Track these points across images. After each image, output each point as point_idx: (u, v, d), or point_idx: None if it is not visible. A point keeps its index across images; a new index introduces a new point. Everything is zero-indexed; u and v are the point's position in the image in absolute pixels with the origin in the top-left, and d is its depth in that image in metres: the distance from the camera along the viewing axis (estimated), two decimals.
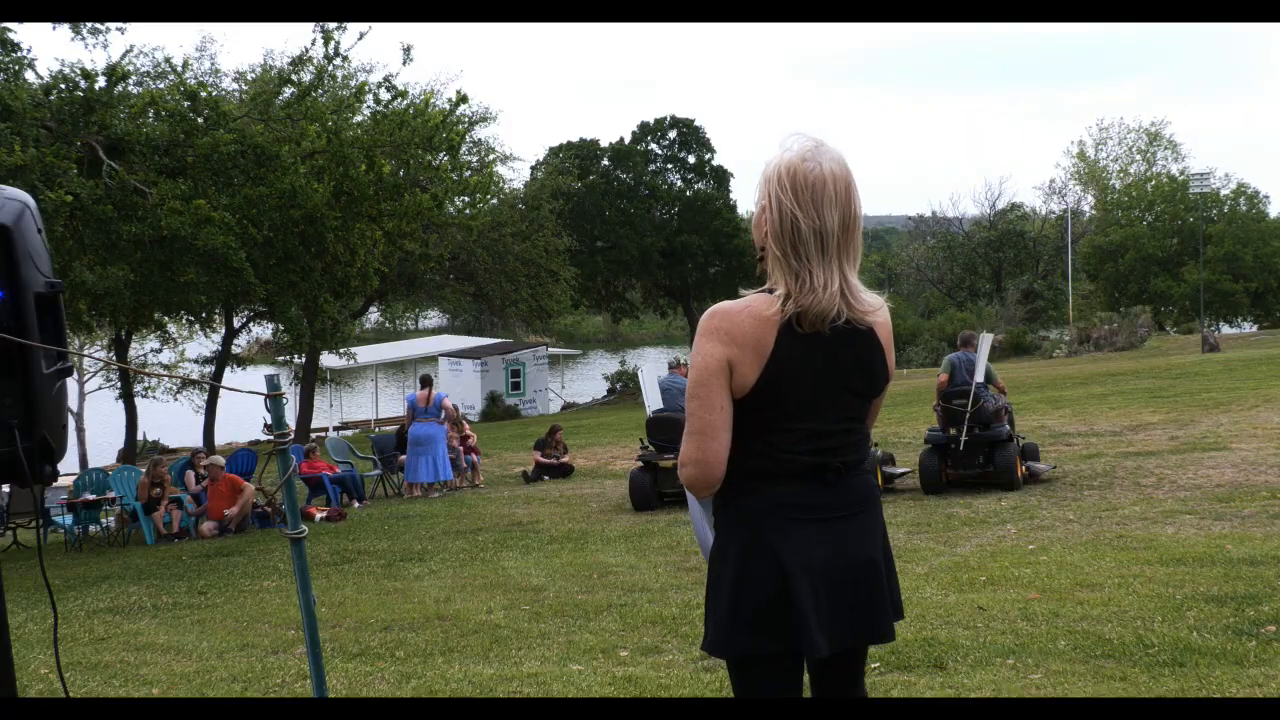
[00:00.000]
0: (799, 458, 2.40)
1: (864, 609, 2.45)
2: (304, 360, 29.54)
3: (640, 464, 12.60)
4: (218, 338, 31.83)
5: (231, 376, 31.50)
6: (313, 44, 16.73)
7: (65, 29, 15.17)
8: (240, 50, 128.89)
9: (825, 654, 2.39)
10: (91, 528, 14.12)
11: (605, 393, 44.74)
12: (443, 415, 15.40)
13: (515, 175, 39.91)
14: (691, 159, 45.34)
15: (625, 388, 41.69)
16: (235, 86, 27.22)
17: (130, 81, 16.12)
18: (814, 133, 2.43)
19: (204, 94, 15.47)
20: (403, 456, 16.06)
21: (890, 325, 2.52)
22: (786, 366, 2.36)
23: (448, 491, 15.79)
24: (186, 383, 35.50)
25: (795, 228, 2.34)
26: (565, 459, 17.28)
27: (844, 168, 2.40)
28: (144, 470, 14.30)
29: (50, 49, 39.41)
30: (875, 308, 2.44)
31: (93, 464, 28.26)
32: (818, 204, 2.35)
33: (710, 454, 2.37)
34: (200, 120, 14.69)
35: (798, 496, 2.41)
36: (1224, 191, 60.99)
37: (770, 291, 2.41)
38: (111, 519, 14.14)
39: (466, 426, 17.89)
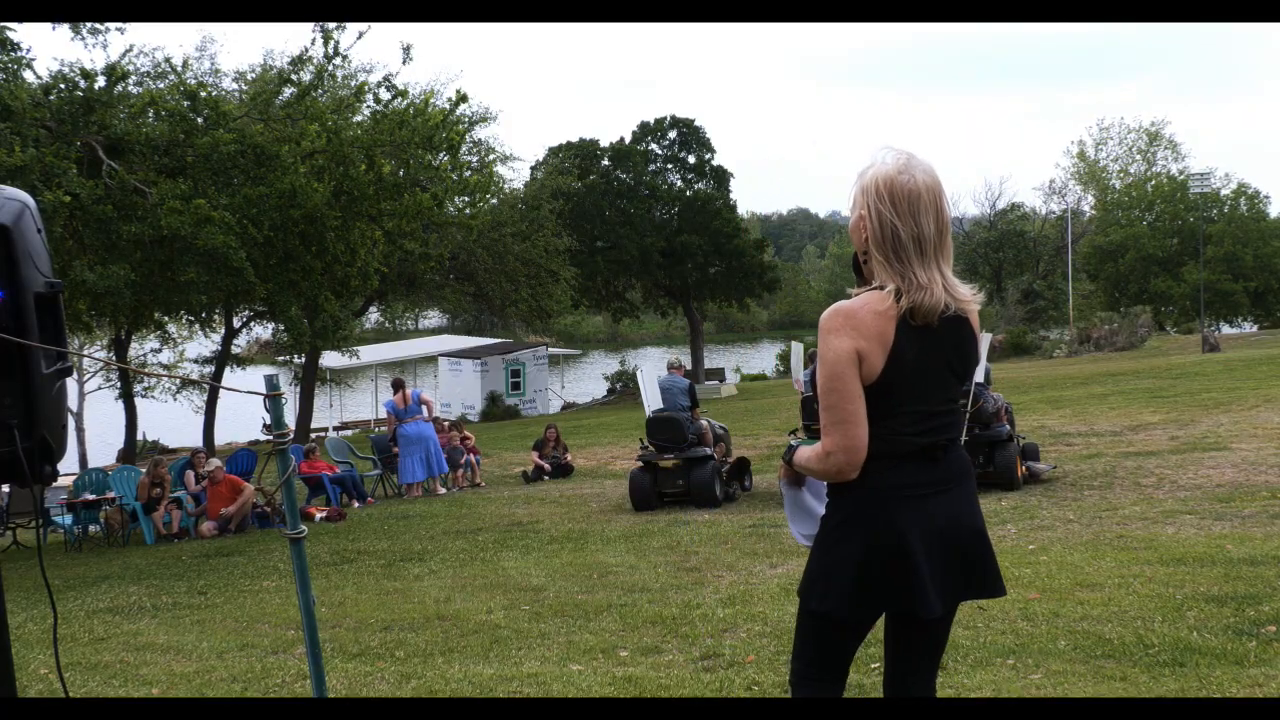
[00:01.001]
0: (911, 439, 2.67)
1: (975, 569, 2.74)
2: (304, 360, 29.53)
3: (640, 464, 12.58)
4: (218, 338, 31.83)
5: (231, 376, 31.51)
6: (312, 44, 16.74)
7: (65, 29, 15.19)
8: (240, 50, 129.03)
9: (939, 614, 2.70)
10: (91, 528, 14.12)
11: (605, 393, 44.73)
12: (424, 411, 15.40)
13: (515, 175, 39.95)
14: (691, 159, 45.33)
15: (625, 388, 41.68)
16: (235, 86, 27.23)
17: (130, 81, 16.13)
18: (903, 146, 2.70)
19: (204, 94, 15.47)
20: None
21: (978, 313, 2.78)
22: (905, 356, 2.62)
23: (453, 488, 15.82)
24: (186, 383, 35.50)
25: (895, 235, 2.61)
26: (566, 458, 17.28)
27: (934, 178, 2.67)
28: (144, 470, 14.30)
29: (50, 49, 39.45)
30: (969, 298, 2.71)
31: (93, 464, 28.27)
32: (914, 212, 2.62)
33: (857, 440, 2.63)
34: (200, 120, 14.69)
35: (910, 475, 2.68)
36: (1224, 191, 60.97)
37: (880, 289, 2.64)
38: (101, 519, 14.05)
39: (464, 429, 17.92)
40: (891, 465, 2.67)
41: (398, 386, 15.80)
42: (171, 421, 35.50)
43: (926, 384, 2.68)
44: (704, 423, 12.86)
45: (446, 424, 17.79)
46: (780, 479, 3.09)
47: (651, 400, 13.12)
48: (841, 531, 2.72)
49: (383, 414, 17.57)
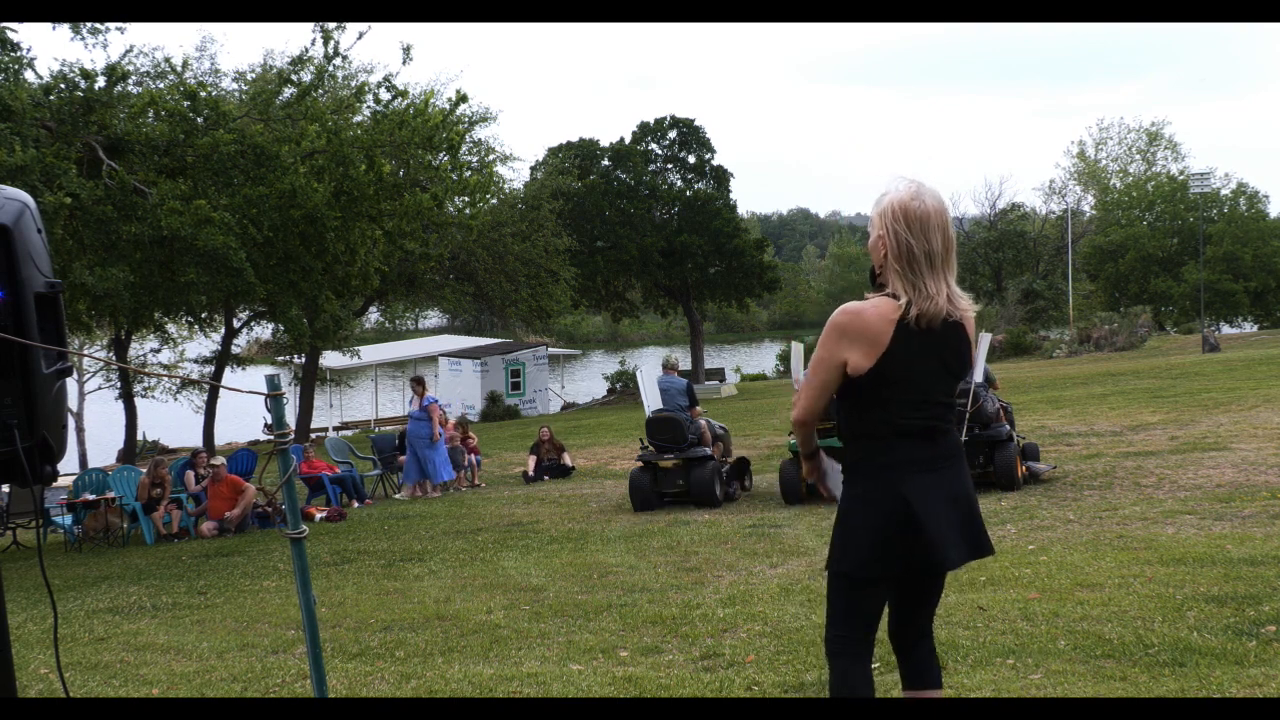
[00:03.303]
0: (911, 422, 3.16)
1: (971, 533, 3.26)
2: (304, 360, 29.54)
3: (640, 464, 12.59)
4: (218, 338, 31.83)
5: (231, 376, 31.51)
6: (312, 44, 16.72)
7: (65, 29, 15.16)
8: (240, 50, 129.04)
9: (957, 567, 3.25)
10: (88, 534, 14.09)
11: (605, 393, 44.73)
12: (428, 416, 15.33)
13: (515, 175, 40.01)
14: (691, 159, 45.34)
15: (625, 388, 41.68)
16: (235, 86, 27.24)
17: (130, 81, 16.12)
18: (913, 175, 3.21)
19: (204, 94, 15.46)
20: (402, 457, 16.15)
21: (973, 319, 3.27)
22: (901, 354, 3.10)
23: (454, 489, 15.82)
24: (186, 383, 35.52)
25: (910, 251, 3.09)
26: (564, 459, 17.26)
27: (941, 203, 3.16)
28: (145, 470, 14.30)
29: (50, 49, 39.43)
30: (967, 307, 3.21)
31: (93, 464, 28.27)
32: (925, 232, 3.09)
33: (804, 411, 3.28)
34: (200, 120, 14.69)
35: (911, 451, 3.16)
36: (1224, 191, 60.98)
37: (893, 297, 3.12)
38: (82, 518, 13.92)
39: (468, 429, 17.91)
40: (896, 443, 3.16)
41: (416, 385, 15.95)
42: (171, 421, 35.51)
43: (923, 377, 3.15)
44: (703, 422, 12.85)
45: (450, 423, 17.82)
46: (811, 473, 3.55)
47: (651, 400, 13.10)
48: (857, 503, 3.21)
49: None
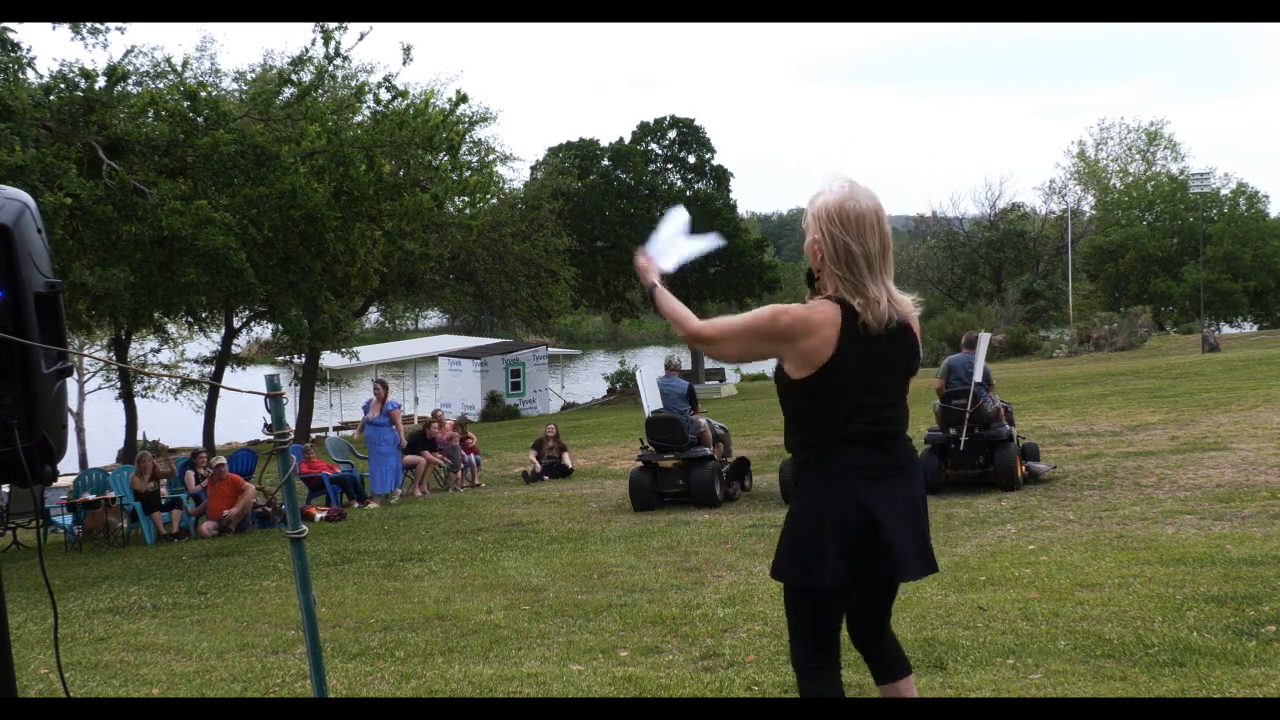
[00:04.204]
0: (861, 428, 3.03)
1: (920, 544, 3.11)
2: (304, 360, 29.53)
3: (640, 464, 12.59)
4: (218, 338, 31.83)
5: (231, 376, 31.50)
6: (313, 44, 16.75)
7: (65, 29, 15.18)
8: (240, 50, 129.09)
9: (918, 578, 3.09)
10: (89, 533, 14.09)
11: (605, 393, 44.72)
12: (388, 421, 14.96)
13: (515, 175, 40.04)
14: (691, 159, 45.36)
15: (625, 388, 41.67)
16: (235, 86, 27.25)
17: (130, 81, 16.12)
18: (846, 175, 3.08)
19: (204, 94, 15.47)
20: (406, 456, 16.12)
21: (917, 317, 3.14)
22: (848, 360, 2.98)
23: (454, 489, 15.76)
24: (186, 383, 35.52)
25: (848, 253, 2.98)
26: (564, 459, 17.25)
27: (876, 202, 3.03)
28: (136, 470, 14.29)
29: (50, 49, 39.41)
30: (910, 308, 3.10)
31: (93, 464, 28.28)
32: (861, 233, 2.98)
33: (729, 347, 3.13)
34: (200, 120, 14.69)
35: (863, 458, 3.03)
36: (1224, 191, 61.00)
37: (835, 301, 3.00)
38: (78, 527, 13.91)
39: (467, 429, 17.90)
40: (844, 450, 3.03)
41: (381, 387, 15.37)
42: (171, 421, 35.49)
43: (871, 383, 3.04)
44: (703, 422, 12.85)
45: (449, 423, 17.79)
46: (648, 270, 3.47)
47: (651, 401, 13.10)
48: (810, 511, 3.05)
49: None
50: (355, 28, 16.27)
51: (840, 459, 3.02)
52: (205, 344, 35.44)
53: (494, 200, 31.71)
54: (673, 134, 45.47)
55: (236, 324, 30.81)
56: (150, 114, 14.73)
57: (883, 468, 3.06)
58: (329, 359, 32.67)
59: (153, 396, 35.03)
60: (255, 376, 33.62)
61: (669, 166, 45.61)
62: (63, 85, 14.14)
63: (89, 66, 14.21)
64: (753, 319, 3.06)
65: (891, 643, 3.33)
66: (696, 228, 3.62)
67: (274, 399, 3.28)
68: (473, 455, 17.04)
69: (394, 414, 15.05)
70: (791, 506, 3.14)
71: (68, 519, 13.83)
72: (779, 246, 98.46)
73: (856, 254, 2.97)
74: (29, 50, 15.62)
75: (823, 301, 3.03)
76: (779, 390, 3.17)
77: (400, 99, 16.93)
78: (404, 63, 19.54)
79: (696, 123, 45.66)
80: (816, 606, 3.08)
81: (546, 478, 16.68)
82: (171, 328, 31.65)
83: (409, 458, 16.00)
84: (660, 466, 12.39)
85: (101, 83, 14.12)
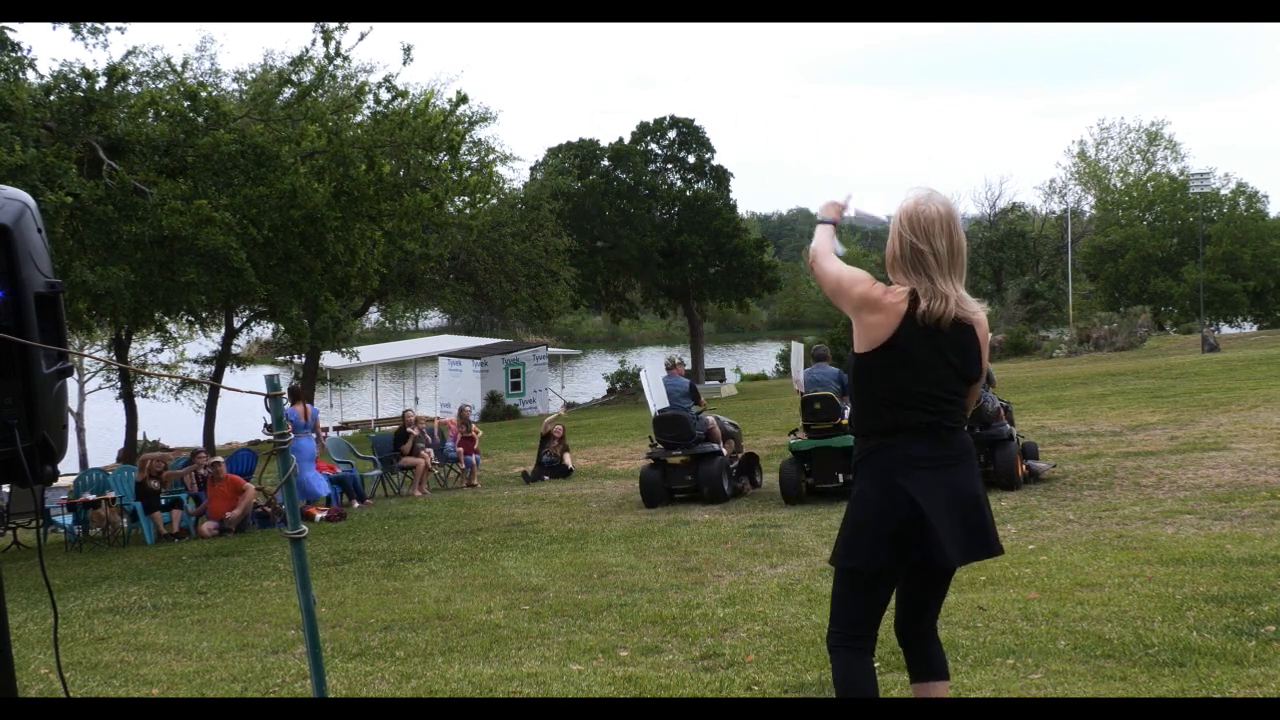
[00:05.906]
0: (919, 418, 3.23)
1: (978, 532, 3.28)
2: (304, 360, 29.53)
3: (650, 461, 12.78)
4: (218, 338, 31.81)
5: (232, 376, 31.49)
6: (313, 44, 16.74)
7: (65, 29, 15.16)
8: (240, 50, 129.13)
9: (957, 566, 3.28)
10: (91, 531, 14.10)
11: (605, 393, 44.71)
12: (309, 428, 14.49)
13: (515, 175, 39.94)
14: (691, 159, 45.33)
15: (625, 388, 41.66)
16: (235, 86, 27.24)
17: (130, 81, 16.10)
18: (926, 184, 3.37)
19: (204, 94, 15.46)
20: (405, 458, 16.12)
21: (987, 325, 3.37)
22: (906, 346, 3.21)
23: (453, 488, 15.74)
24: (186, 383, 35.51)
25: (913, 251, 3.24)
26: (565, 459, 17.23)
27: (948, 208, 3.29)
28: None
29: (50, 49, 39.34)
30: (977, 311, 3.32)
31: (93, 464, 28.27)
32: (929, 235, 3.23)
33: (821, 285, 3.42)
34: (200, 120, 14.68)
35: (918, 449, 3.23)
36: (1224, 191, 60.97)
37: (908, 291, 3.23)
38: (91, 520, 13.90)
39: (473, 428, 17.87)
40: (902, 440, 3.23)
41: (295, 396, 14.65)
42: (171, 421, 35.45)
43: (928, 374, 3.24)
44: (712, 419, 13.00)
45: (450, 419, 17.77)
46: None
47: (657, 399, 13.17)
48: (863, 499, 3.28)
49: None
50: (355, 28, 16.27)
51: (895, 448, 3.23)
52: (205, 344, 35.41)
53: (494, 200, 31.69)
54: (672, 134, 45.44)
55: (237, 324, 30.78)
56: (150, 114, 14.72)
57: (935, 459, 3.23)
58: (329, 359, 32.66)
59: (153, 396, 35.00)
60: (255, 376, 33.61)
61: (669, 166, 45.59)
62: (63, 85, 14.14)
63: (89, 66, 14.21)
64: (846, 275, 3.34)
65: (934, 643, 3.47)
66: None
67: (274, 399, 3.28)
68: (473, 455, 17.03)
69: (316, 423, 14.92)
70: (850, 491, 3.39)
71: (68, 519, 13.84)
72: (779, 246, 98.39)
73: (925, 253, 3.22)
74: (29, 50, 15.64)
75: (898, 288, 3.27)
76: (848, 371, 3.42)
77: (400, 99, 16.91)
78: (404, 63, 19.54)
79: (696, 123, 45.66)
80: (857, 587, 3.29)
81: (546, 477, 16.67)
82: (172, 327, 31.62)
83: (408, 459, 16.06)
84: (669, 463, 12.54)
85: (102, 83, 14.11)
